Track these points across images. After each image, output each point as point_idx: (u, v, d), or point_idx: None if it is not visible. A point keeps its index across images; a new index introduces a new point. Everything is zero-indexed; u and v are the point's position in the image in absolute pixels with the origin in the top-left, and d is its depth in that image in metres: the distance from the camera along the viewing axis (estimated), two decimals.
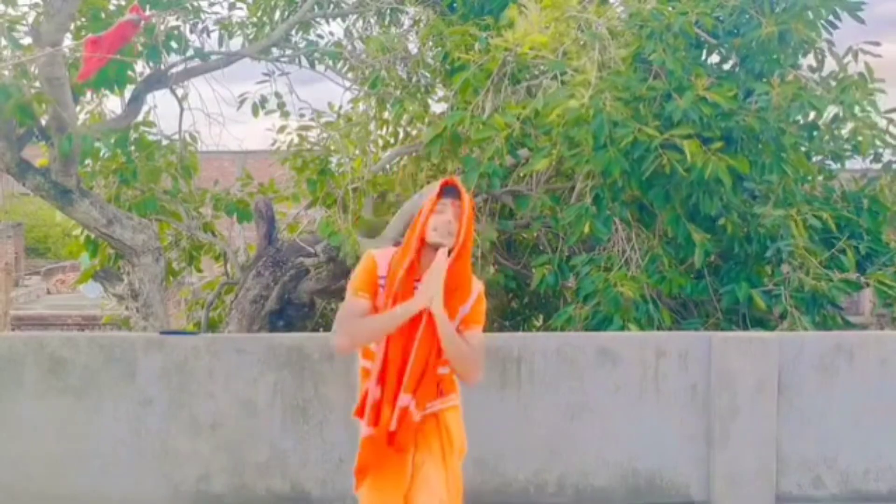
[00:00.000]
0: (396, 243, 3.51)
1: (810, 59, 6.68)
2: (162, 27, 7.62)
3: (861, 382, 5.00)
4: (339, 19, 9.16)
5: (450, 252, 3.43)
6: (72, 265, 24.53)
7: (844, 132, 6.80)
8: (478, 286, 3.58)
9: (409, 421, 3.47)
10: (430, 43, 8.03)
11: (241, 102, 8.54)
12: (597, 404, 4.95)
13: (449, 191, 3.49)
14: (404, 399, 3.45)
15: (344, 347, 3.61)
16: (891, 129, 6.65)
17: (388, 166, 8.59)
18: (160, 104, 12.06)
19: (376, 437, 3.47)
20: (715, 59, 6.90)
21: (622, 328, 5.99)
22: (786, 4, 6.40)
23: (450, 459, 3.63)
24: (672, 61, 6.08)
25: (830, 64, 6.60)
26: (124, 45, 6.81)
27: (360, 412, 3.52)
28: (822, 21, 6.45)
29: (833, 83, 6.42)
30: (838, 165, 7.13)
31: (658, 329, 6.23)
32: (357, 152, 8.23)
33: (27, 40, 7.01)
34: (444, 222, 3.44)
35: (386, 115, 8.75)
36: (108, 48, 6.61)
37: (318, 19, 8.98)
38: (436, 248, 3.45)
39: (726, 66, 6.86)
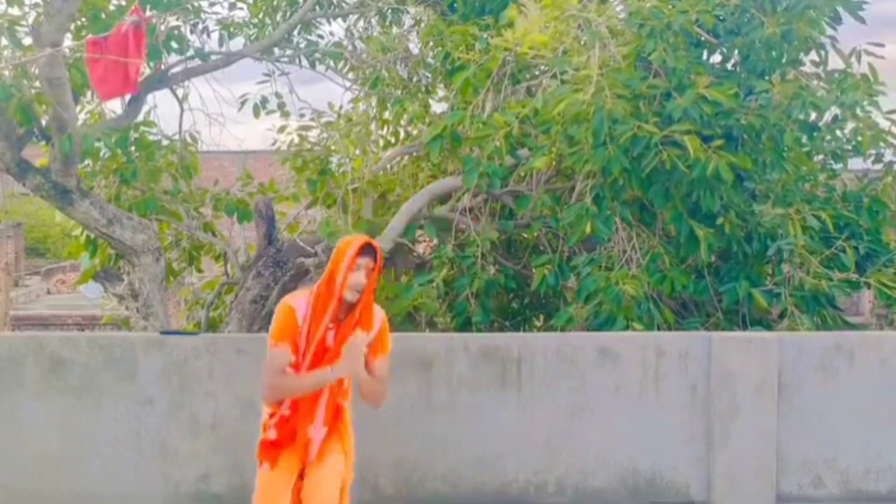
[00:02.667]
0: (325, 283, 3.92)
1: (812, 56, 6.67)
2: (162, 27, 7.62)
3: (861, 382, 5.00)
4: (339, 19, 9.16)
5: (356, 303, 3.84)
6: (72, 265, 24.50)
7: (846, 132, 6.79)
8: (380, 315, 4.00)
9: (318, 442, 3.91)
10: (431, 43, 8.03)
11: (242, 104, 8.54)
12: (597, 404, 4.94)
13: (367, 251, 3.84)
14: (321, 431, 3.89)
15: (271, 401, 3.94)
16: (892, 129, 6.65)
17: (388, 166, 8.59)
18: (160, 104, 12.00)
19: (289, 447, 3.88)
20: (716, 58, 6.90)
21: (626, 328, 5.99)
22: (787, 3, 6.39)
23: (349, 456, 4.01)
24: (673, 59, 6.08)
25: (834, 61, 6.61)
26: (140, 49, 6.85)
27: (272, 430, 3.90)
28: (825, 19, 6.44)
29: (838, 79, 6.40)
30: (840, 165, 7.12)
31: (660, 328, 6.22)
32: (357, 152, 8.23)
33: (28, 40, 7.01)
34: (358, 282, 3.81)
35: (386, 114, 8.75)
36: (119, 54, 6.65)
37: (318, 19, 8.97)
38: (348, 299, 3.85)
39: (727, 65, 6.85)
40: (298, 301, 3.89)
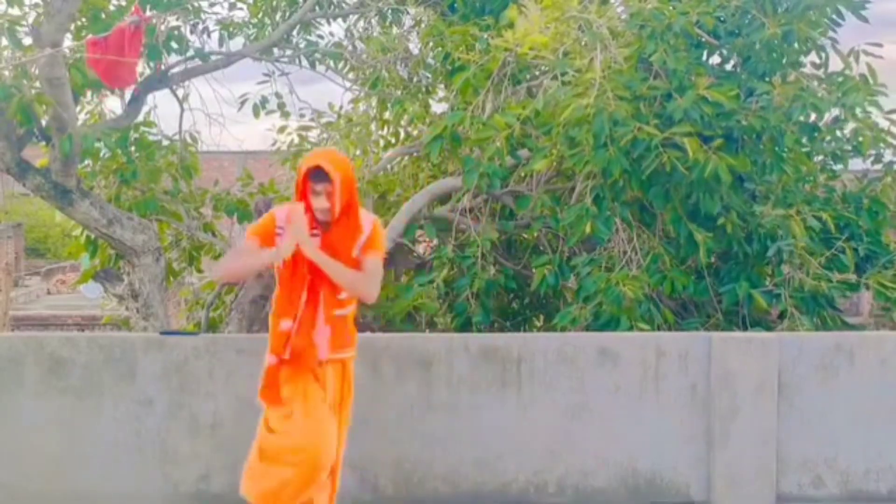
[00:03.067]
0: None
1: (812, 57, 6.67)
2: (162, 27, 7.62)
3: (861, 382, 5.00)
4: (339, 19, 9.17)
5: (329, 224, 3.97)
6: (72, 265, 24.50)
7: (846, 132, 6.80)
8: (369, 218, 4.10)
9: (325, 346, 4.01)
10: (431, 43, 8.04)
11: (242, 104, 8.54)
12: (597, 404, 4.94)
13: (316, 175, 3.90)
14: (325, 331, 3.99)
15: (219, 276, 4.38)
16: (892, 129, 6.65)
17: (388, 166, 8.59)
18: (160, 104, 11.99)
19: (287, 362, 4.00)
20: (716, 59, 6.90)
21: (630, 328, 5.99)
22: (788, 4, 6.40)
23: (345, 407, 4.14)
24: (673, 60, 6.09)
25: (835, 62, 6.61)
26: (136, 47, 6.86)
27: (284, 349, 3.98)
28: (826, 19, 6.45)
29: (838, 80, 6.40)
30: (840, 166, 7.12)
31: (660, 329, 6.23)
32: (357, 152, 8.25)
33: (28, 40, 7.01)
34: (321, 207, 3.94)
35: (386, 115, 8.76)
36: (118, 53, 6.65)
37: (318, 20, 8.98)
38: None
39: (727, 67, 6.86)
40: (281, 209, 4.08)
